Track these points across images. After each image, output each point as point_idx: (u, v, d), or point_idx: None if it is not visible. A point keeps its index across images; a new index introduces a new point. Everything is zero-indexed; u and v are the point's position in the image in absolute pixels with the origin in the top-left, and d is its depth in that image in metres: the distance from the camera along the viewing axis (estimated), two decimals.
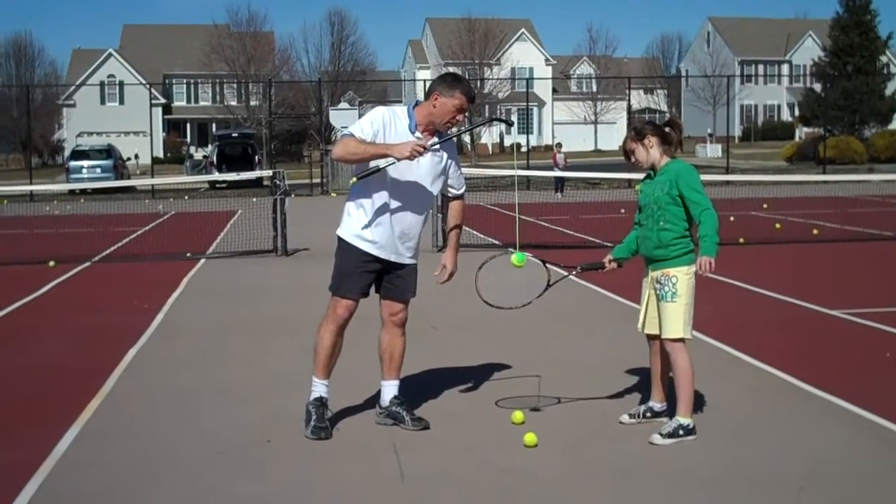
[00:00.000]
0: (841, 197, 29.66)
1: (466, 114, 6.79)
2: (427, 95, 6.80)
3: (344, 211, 6.83)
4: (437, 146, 6.66)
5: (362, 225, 6.67)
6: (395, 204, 6.66)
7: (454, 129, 7.04)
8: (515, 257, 6.86)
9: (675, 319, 6.55)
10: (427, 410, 7.25)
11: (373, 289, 6.90)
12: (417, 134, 6.64)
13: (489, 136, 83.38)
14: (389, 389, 7.01)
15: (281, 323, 11.06)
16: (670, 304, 6.57)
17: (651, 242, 6.65)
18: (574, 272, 7.15)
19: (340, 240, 6.79)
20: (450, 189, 6.98)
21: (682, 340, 6.57)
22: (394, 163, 6.44)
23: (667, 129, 6.75)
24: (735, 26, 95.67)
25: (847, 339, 9.87)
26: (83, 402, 7.64)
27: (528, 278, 7.18)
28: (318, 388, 6.79)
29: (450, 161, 6.86)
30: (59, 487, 5.88)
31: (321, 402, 6.78)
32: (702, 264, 6.46)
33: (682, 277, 6.57)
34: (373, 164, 6.53)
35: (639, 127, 6.77)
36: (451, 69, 78.83)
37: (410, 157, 6.37)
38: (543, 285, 7.11)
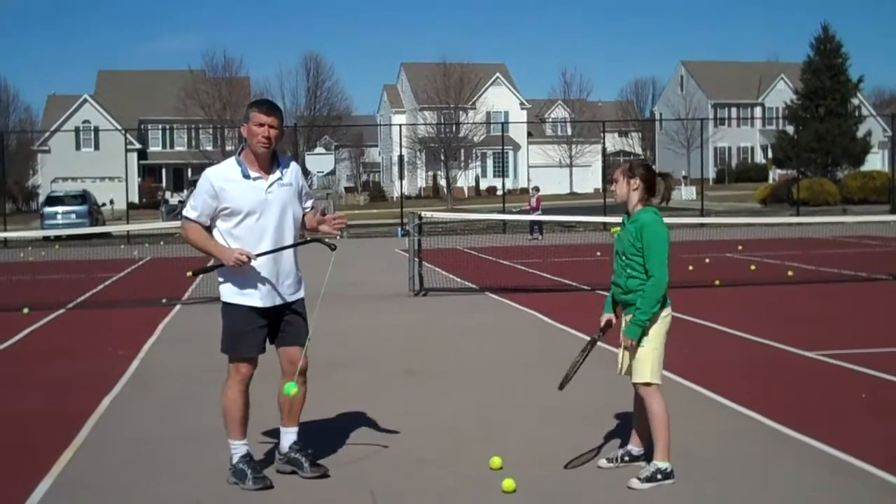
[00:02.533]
0: (815, 238, 29.86)
1: (275, 126, 6.58)
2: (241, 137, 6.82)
3: (217, 274, 6.76)
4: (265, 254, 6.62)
5: (240, 282, 6.63)
6: (264, 247, 6.62)
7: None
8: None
9: (644, 364, 6.57)
10: (404, 456, 7.22)
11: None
12: (253, 174, 6.60)
13: (465, 179, 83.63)
14: (289, 436, 6.92)
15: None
16: (639, 349, 6.59)
17: (620, 289, 6.67)
18: (596, 338, 7.00)
19: (226, 304, 6.72)
20: (304, 209, 6.95)
21: (650, 384, 6.58)
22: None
23: (658, 178, 6.75)
24: (707, 70, 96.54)
25: (822, 380, 9.90)
26: (57, 451, 7.57)
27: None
28: (240, 448, 6.73)
29: (300, 185, 6.86)
30: None
31: (250, 457, 6.73)
32: (622, 340, 6.62)
33: (652, 322, 6.57)
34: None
35: (634, 164, 6.75)
36: (426, 114, 79.42)
37: (235, 266, 6.47)
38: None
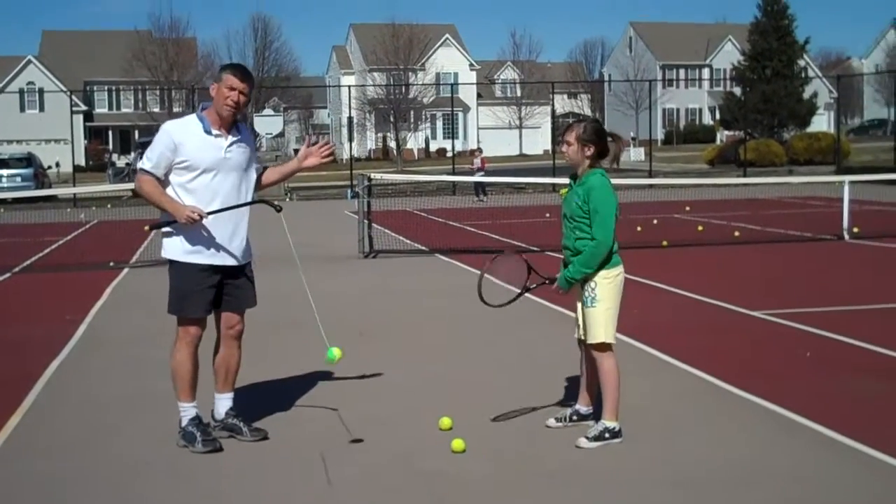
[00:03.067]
0: (761, 199, 30.16)
1: (245, 93, 6.63)
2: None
3: (164, 231, 6.74)
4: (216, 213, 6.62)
5: (190, 240, 6.62)
6: (216, 206, 6.62)
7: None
8: (331, 353, 6.75)
9: (596, 324, 6.62)
10: (356, 416, 7.25)
11: None
12: (215, 131, 6.62)
13: (414, 141, 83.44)
14: (224, 402, 6.92)
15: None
16: (591, 310, 6.64)
17: (570, 251, 6.70)
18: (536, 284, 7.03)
19: (171, 262, 6.71)
20: (256, 169, 6.95)
21: (604, 345, 6.63)
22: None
23: (609, 140, 6.75)
24: (656, 31, 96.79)
25: (768, 339, 10.02)
26: (4, 415, 7.53)
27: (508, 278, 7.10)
28: (189, 410, 6.72)
29: (250, 149, 6.88)
30: None
31: (199, 420, 6.72)
32: (554, 287, 6.72)
33: (601, 282, 6.62)
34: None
35: (587, 130, 6.68)
36: (375, 75, 78.95)
37: (186, 223, 6.47)
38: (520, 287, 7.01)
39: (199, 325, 6.72)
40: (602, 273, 6.62)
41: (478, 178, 33.40)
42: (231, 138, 6.68)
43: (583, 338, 6.77)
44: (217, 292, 6.72)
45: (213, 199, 6.62)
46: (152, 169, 6.61)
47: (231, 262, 6.71)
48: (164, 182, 6.66)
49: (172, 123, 6.78)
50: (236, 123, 6.77)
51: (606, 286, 6.63)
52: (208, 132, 6.63)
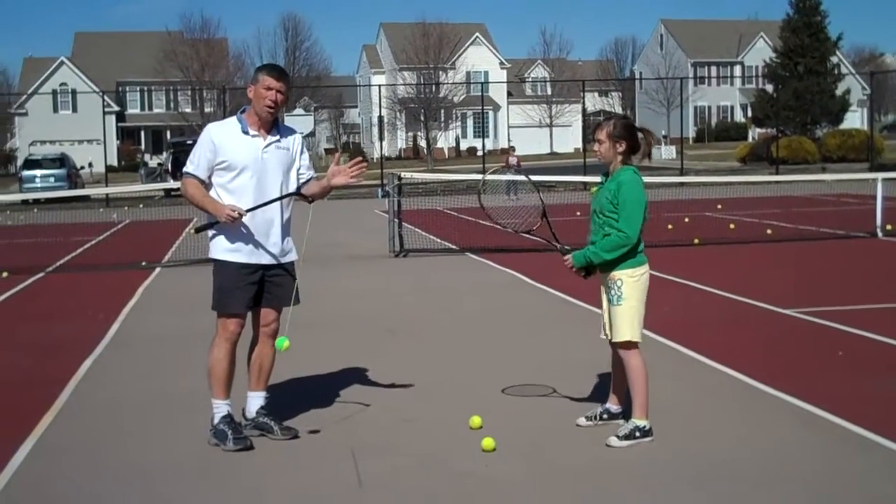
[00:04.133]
0: (794, 196, 29.97)
1: (283, 91, 6.68)
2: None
3: (209, 231, 6.83)
4: (255, 208, 6.67)
5: (230, 238, 6.70)
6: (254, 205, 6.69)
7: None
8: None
9: (622, 322, 6.61)
10: (385, 416, 7.26)
11: None
12: (252, 132, 6.70)
13: (445, 140, 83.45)
14: (256, 401, 6.95)
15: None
16: (616, 308, 6.63)
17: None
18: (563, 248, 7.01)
19: (215, 260, 6.80)
20: (300, 176, 6.93)
21: (630, 343, 6.62)
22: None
23: (640, 136, 6.76)
24: (687, 28, 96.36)
25: (800, 337, 9.97)
26: (38, 415, 7.58)
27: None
28: (222, 408, 6.75)
29: (294, 151, 6.88)
30: (15, 503, 5.83)
31: (231, 418, 6.75)
32: (566, 260, 6.75)
33: (627, 280, 6.61)
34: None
35: (618, 126, 6.71)
36: (405, 74, 79.07)
37: (227, 221, 6.55)
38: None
39: (239, 321, 6.77)
40: (628, 271, 6.60)
41: (511, 175, 33.25)
42: (269, 139, 6.74)
43: (609, 337, 6.76)
44: (258, 289, 6.77)
45: (253, 200, 6.68)
46: (194, 171, 6.72)
47: (269, 259, 6.77)
48: (207, 185, 6.74)
49: (214, 125, 6.93)
50: (277, 125, 6.84)
51: (632, 284, 6.61)
52: (245, 132, 6.71)
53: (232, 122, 6.83)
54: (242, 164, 6.67)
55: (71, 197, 38.86)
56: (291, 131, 6.97)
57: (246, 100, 6.87)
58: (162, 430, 7.22)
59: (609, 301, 6.68)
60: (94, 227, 26.84)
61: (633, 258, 6.61)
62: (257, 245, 6.72)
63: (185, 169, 6.80)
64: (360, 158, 7.02)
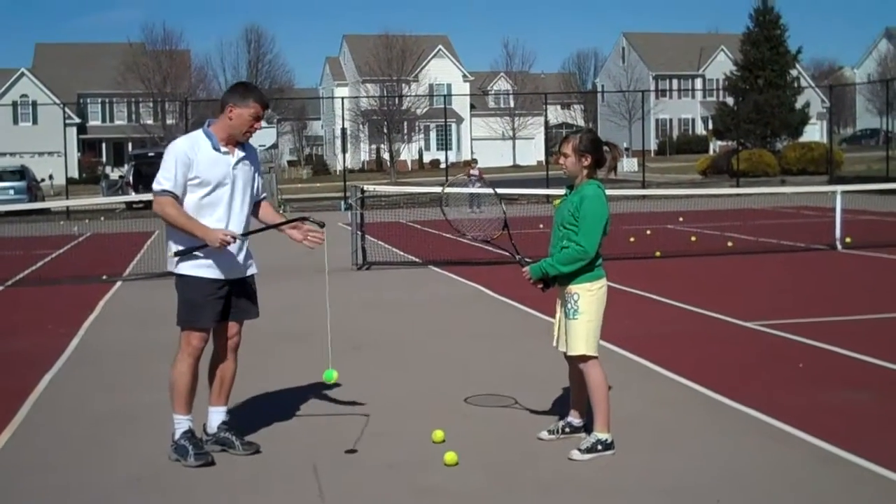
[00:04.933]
0: (754, 209, 30.20)
1: (263, 122, 6.76)
2: (221, 108, 6.79)
3: (171, 247, 6.72)
4: (246, 237, 6.73)
5: (204, 254, 6.61)
6: (233, 223, 6.66)
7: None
8: (329, 374, 6.85)
9: (577, 336, 6.63)
10: (347, 430, 7.24)
11: None
12: (223, 149, 6.64)
13: (408, 152, 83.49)
14: (217, 416, 6.92)
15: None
16: (572, 322, 6.65)
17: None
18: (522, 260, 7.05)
19: (183, 276, 6.66)
20: (257, 195, 6.96)
21: (586, 357, 6.65)
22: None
23: (605, 150, 6.79)
24: (649, 41, 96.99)
25: (761, 350, 10.02)
26: None
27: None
28: (184, 423, 6.68)
29: (255, 169, 6.89)
30: None
31: (192, 433, 6.69)
32: (524, 271, 6.77)
33: (583, 294, 6.64)
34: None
35: (584, 141, 6.72)
36: (368, 86, 78.99)
37: (219, 247, 6.47)
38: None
39: (204, 336, 6.73)
40: (585, 285, 6.63)
41: (477, 189, 33.20)
42: (238, 155, 6.72)
43: (563, 349, 6.79)
44: (225, 303, 6.74)
45: (224, 215, 6.65)
46: (172, 188, 6.54)
47: (238, 273, 6.76)
48: (180, 202, 6.62)
49: (182, 141, 6.76)
50: (242, 144, 6.81)
51: (588, 298, 6.64)
52: (217, 149, 6.64)
53: (200, 137, 6.71)
54: (217, 181, 6.60)
55: (31, 210, 38.50)
56: (252, 147, 6.94)
57: (210, 112, 6.81)
58: (123, 444, 7.17)
59: (565, 314, 6.71)
60: (54, 241, 26.62)
61: (591, 272, 6.64)
62: (227, 261, 6.67)
63: (159, 186, 6.59)
64: (322, 231, 6.94)
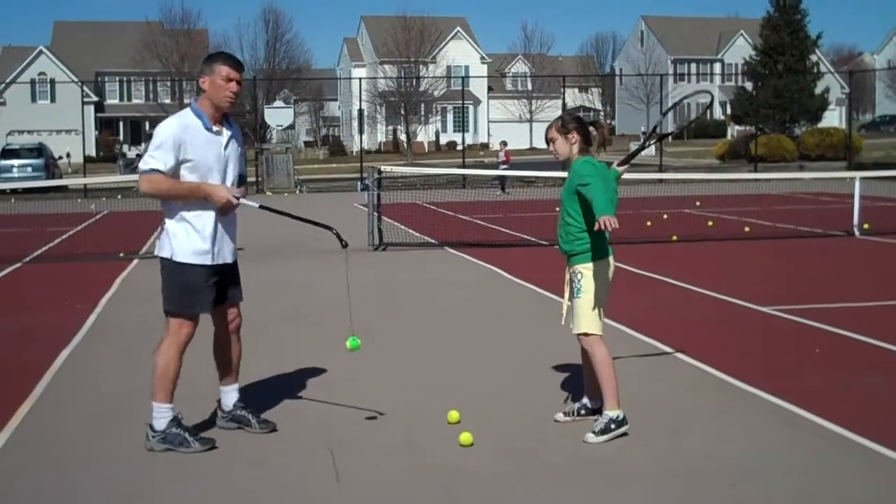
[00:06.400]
0: (772, 194, 30.09)
1: (240, 82, 6.51)
2: (198, 89, 6.59)
3: (166, 231, 6.56)
4: (246, 200, 6.66)
5: (195, 240, 6.49)
6: (214, 206, 6.50)
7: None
8: (351, 342, 6.81)
9: (581, 314, 6.65)
10: (363, 410, 7.24)
11: None
12: (215, 128, 6.48)
13: (425, 133, 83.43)
14: (231, 394, 6.90)
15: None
16: (576, 300, 6.67)
17: (561, 239, 6.74)
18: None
19: (175, 263, 6.50)
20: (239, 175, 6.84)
21: (589, 335, 6.65)
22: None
23: (590, 128, 6.81)
24: (668, 25, 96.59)
25: (778, 335, 10.00)
26: (13, 406, 7.53)
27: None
28: (168, 412, 6.53)
29: (241, 148, 6.80)
30: None
31: (179, 421, 6.56)
32: (600, 223, 6.22)
33: (586, 273, 6.63)
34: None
35: (566, 120, 6.78)
36: (386, 67, 78.96)
37: (225, 207, 6.43)
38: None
39: (195, 324, 6.61)
40: (589, 265, 6.62)
41: (502, 171, 33.19)
42: (227, 134, 6.56)
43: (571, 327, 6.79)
44: (217, 289, 6.71)
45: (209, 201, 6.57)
46: (164, 168, 6.32)
47: (230, 258, 6.71)
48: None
49: (175, 120, 6.48)
50: (227, 117, 6.65)
51: (591, 278, 6.63)
52: (209, 129, 6.46)
53: (190, 116, 6.47)
54: (211, 163, 6.45)
55: (49, 187, 38.64)
56: (236, 126, 6.76)
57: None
58: (138, 421, 7.18)
59: (572, 293, 6.71)
60: (71, 218, 26.72)
61: (596, 251, 6.62)
62: (222, 246, 6.60)
63: (147, 166, 6.36)
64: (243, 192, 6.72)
